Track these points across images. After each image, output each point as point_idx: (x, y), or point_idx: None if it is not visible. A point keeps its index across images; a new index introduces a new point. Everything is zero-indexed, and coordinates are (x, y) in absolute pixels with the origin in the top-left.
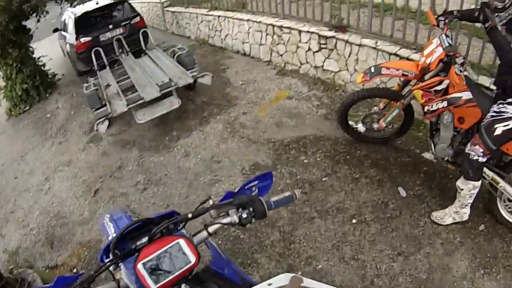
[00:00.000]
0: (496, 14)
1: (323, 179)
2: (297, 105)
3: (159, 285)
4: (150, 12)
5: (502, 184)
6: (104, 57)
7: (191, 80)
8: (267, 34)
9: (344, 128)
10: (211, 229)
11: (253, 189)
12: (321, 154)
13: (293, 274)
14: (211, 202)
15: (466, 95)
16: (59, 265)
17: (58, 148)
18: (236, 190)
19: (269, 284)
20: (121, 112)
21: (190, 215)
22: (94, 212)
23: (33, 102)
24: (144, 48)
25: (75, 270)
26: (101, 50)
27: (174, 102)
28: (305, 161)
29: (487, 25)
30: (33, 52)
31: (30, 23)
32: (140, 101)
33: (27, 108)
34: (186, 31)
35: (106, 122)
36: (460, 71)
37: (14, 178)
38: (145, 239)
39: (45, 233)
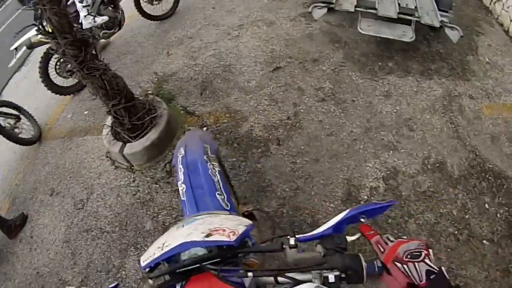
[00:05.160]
0: None
1: None
2: None
3: None
4: None
5: None
6: None
7: (436, 24)
8: None
9: None
10: (281, 279)
11: (362, 219)
12: None
13: (316, 285)
14: (292, 241)
15: None
16: (196, 114)
17: (270, 3)
18: (333, 223)
19: None
20: (345, 10)
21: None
22: (260, 87)
23: None
24: None
25: (205, 128)
26: None
27: (407, 34)
28: None
29: None
30: None
31: None
32: (372, 11)
33: None
34: None
35: (324, 11)
36: None
37: (212, 7)
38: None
39: (204, 76)
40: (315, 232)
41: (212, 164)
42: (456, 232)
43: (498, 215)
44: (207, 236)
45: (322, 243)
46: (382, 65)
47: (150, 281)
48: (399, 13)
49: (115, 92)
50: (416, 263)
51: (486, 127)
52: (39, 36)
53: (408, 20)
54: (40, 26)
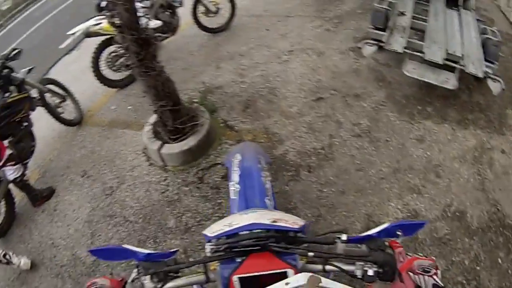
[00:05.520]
0: None
1: None
2: None
3: None
4: None
5: None
6: None
7: (480, 75)
8: None
9: None
10: (328, 267)
11: (399, 233)
12: None
13: (311, 274)
14: (344, 237)
15: None
16: (235, 129)
17: (322, 33)
18: (379, 229)
19: (286, 284)
20: (394, 50)
21: (313, 239)
22: (301, 114)
23: None
24: (461, 2)
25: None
26: None
27: (450, 81)
28: None
29: None
30: None
31: None
32: (419, 54)
33: None
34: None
35: (374, 49)
36: None
37: (266, 29)
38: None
39: (249, 95)
40: (361, 235)
41: (265, 174)
42: (464, 282)
43: (510, 271)
44: (274, 221)
45: (367, 243)
46: (421, 109)
47: (208, 248)
48: (445, 59)
49: (165, 94)
50: (425, 276)
51: None
52: (97, 27)
53: (453, 67)
54: (110, 19)
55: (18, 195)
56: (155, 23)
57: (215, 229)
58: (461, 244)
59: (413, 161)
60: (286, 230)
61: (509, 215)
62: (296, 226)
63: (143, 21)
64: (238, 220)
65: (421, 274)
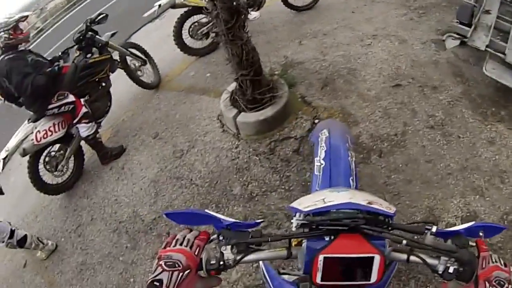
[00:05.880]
0: None
1: None
2: None
3: (324, 283)
4: None
5: None
6: None
7: None
8: None
9: None
10: (413, 258)
11: (481, 233)
12: None
13: None
14: (434, 229)
15: None
16: (312, 105)
17: (406, 21)
18: (466, 226)
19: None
20: (476, 46)
21: (403, 227)
22: (378, 98)
23: None
24: None
25: (317, 121)
26: None
27: None
28: None
29: None
30: None
31: None
32: (501, 55)
33: None
34: None
35: (457, 42)
36: None
37: (352, 11)
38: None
39: (329, 73)
40: (449, 229)
41: (351, 153)
42: None
43: None
44: (369, 203)
45: (453, 239)
46: (495, 111)
47: (295, 222)
48: None
49: (248, 63)
50: None
51: None
52: None
53: None
54: None
55: (88, 151)
56: None
57: (306, 203)
58: (511, 255)
59: (481, 162)
60: (379, 214)
61: None
62: (391, 211)
63: None
64: (332, 197)
65: (494, 286)
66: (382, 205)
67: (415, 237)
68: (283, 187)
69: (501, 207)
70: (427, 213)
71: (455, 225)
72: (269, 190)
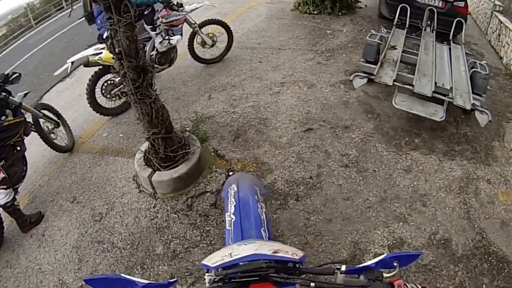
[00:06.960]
0: None
1: None
2: None
3: None
4: (479, 3)
5: None
6: (408, 18)
7: (468, 107)
8: None
9: None
10: None
11: (395, 264)
12: None
13: None
14: (343, 267)
15: None
16: (225, 158)
17: (314, 66)
18: (376, 260)
19: None
20: (384, 82)
21: (313, 270)
22: (290, 144)
23: (323, 11)
24: (450, 37)
25: (231, 173)
26: (409, 9)
27: (438, 113)
28: None
29: None
30: None
31: None
32: (408, 87)
33: (315, 12)
34: (502, 50)
35: (364, 81)
36: None
37: (259, 61)
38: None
39: (240, 125)
40: (359, 265)
41: (261, 205)
42: None
43: None
44: (275, 252)
45: (365, 274)
46: (408, 140)
47: (207, 278)
48: (434, 92)
49: (159, 121)
50: None
51: (498, 212)
52: (97, 57)
53: (441, 100)
54: (111, 46)
55: (7, 218)
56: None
57: (215, 259)
58: (446, 271)
59: (400, 190)
60: (286, 261)
61: (494, 243)
62: (297, 257)
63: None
64: (239, 250)
65: None
66: (288, 252)
67: (326, 278)
68: (204, 241)
69: (427, 229)
70: (352, 248)
71: (382, 254)
72: (191, 246)
